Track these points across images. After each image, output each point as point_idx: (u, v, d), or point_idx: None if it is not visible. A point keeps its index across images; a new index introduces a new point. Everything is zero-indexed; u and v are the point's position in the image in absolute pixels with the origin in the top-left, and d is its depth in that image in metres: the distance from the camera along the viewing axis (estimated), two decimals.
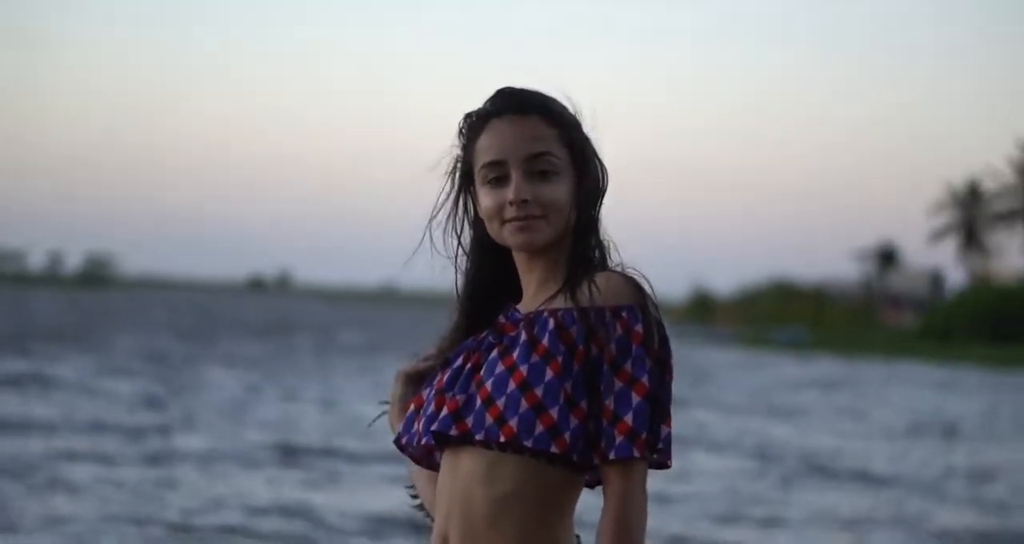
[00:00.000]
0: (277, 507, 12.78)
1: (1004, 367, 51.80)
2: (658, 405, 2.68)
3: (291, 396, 25.98)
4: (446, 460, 2.77)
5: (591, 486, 2.79)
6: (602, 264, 2.81)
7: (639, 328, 2.68)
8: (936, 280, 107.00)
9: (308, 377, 31.88)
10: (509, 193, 2.78)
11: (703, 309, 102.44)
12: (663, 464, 2.72)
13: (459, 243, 2.93)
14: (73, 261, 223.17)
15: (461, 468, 2.73)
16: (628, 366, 2.67)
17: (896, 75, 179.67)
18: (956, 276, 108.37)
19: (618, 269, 2.80)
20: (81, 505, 12.27)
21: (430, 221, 2.93)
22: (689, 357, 47.69)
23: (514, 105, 2.82)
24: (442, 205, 2.92)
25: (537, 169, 2.78)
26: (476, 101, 2.85)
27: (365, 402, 24.75)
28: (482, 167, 2.82)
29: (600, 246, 2.83)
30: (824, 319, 78.26)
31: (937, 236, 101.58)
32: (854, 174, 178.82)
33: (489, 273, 2.92)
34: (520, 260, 2.87)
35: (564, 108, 2.85)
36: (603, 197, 2.87)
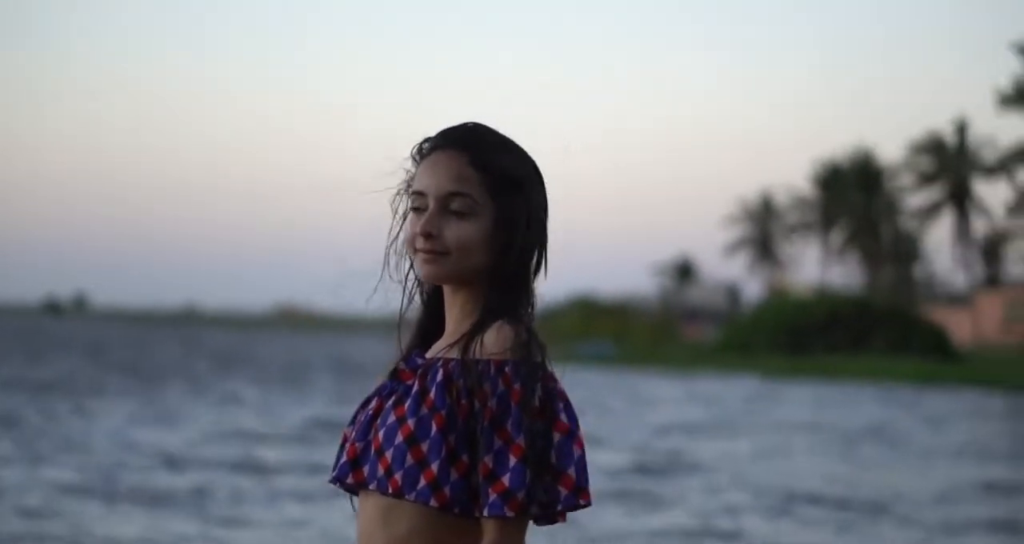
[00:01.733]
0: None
1: (799, 376, 53.09)
2: (539, 462, 2.68)
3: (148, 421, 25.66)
4: (359, 500, 2.86)
5: (540, 523, 2.78)
6: (512, 314, 2.80)
7: (518, 386, 2.70)
8: (732, 293, 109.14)
9: (148, 402, 31.51)
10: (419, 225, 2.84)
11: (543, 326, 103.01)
12: (552, 519, 2.74)
13: (411, 266, 2.94)
14: None
15: (366, 509, 2.81)
16: (508, 426, 2.69)
17: (690, 84, 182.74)
18: (752, 289, 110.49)
19: (513, 320, 2.79)
20: None
21: (390, 241, 2.95)
22: None
23: (453, 141, 2.86)
24: (397, 226, 2.94)
25: (451, 207, 2.82)
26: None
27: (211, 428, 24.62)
28: (411, 194, 2.89)
29: (519, 296, 2.84)
30: (627, 334, 79.36)
31: (732, 249, 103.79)
32: (650, 187, 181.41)
33: (439, 303, 2.95)
34: (446, 294, 2.90)
35: (511, 157, 2.87)
36: (531, 250, 2.86)
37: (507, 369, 2.71)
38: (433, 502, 2.70)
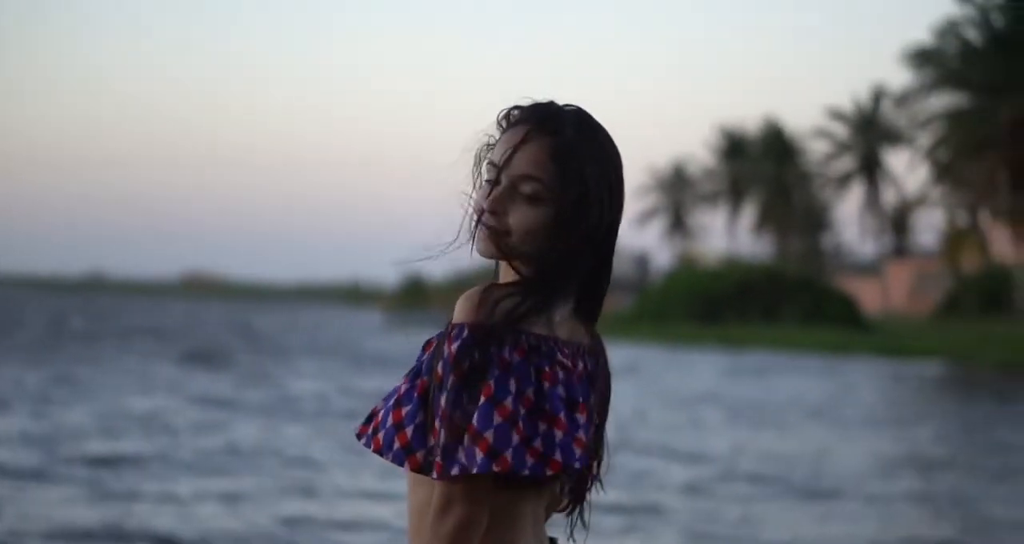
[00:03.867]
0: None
1: (721, 346, 53.40)
2: (457, 423, 2.62)
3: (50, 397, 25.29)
4: None
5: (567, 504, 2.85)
6: (522, 286, 2.74)
7: (454, 348, 2.64)
8: (642, 262, 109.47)
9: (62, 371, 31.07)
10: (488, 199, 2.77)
11: (417, 295, 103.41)
12: (504, 481, 2.66)
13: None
14: None
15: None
16: (441, 388, 2.65)
17: (597, 55, 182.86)
18: (662, 258, 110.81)
19: (504, 288, 2.72)
20: None
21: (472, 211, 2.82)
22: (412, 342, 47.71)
23: (542, 122, 2.77)
24: (476, 192, 2.84)
25: (523, 189, 2.74)
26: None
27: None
28: (487, 163, 2.80)
29: (548, 279, 2.75)
30: None
31: (643, 219, 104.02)
32: None
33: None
34: (501, 267, 2.86)
35: (596, 153, 2.78)
36: (584, 246, 2.77)
37: (453, 332, 2.67)
38: (407, 465, 2.70)
